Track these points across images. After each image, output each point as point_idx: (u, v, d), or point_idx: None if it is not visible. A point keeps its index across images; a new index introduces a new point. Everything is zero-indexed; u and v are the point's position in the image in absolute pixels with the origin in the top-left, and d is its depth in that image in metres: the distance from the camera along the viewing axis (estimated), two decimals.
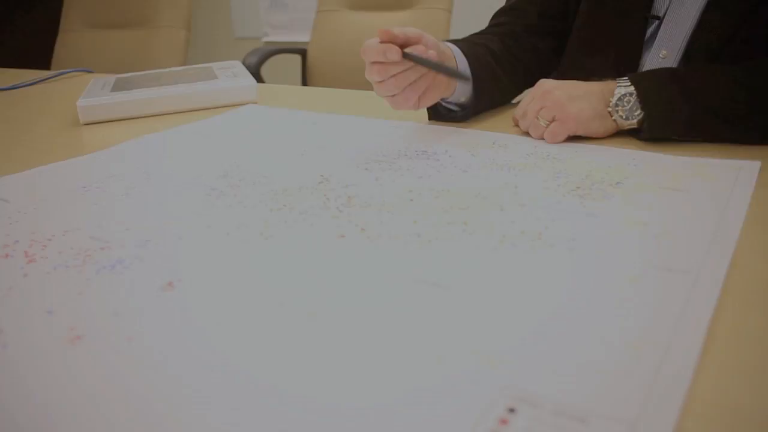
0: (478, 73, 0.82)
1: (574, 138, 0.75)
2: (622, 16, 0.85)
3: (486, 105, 0.88)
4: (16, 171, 0.74)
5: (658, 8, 0.82)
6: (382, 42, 0.69)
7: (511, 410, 0.32)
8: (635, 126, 0.73)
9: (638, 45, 0.85)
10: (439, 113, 0.86)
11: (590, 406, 0.32)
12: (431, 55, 0.69)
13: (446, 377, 0.35)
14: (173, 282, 0.47)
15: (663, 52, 0.82)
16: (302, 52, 2.27)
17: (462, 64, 0.81)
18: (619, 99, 0.72)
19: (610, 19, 0.87)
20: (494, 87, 0.86)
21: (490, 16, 1.00)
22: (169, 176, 0.70)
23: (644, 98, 0.71)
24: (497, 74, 0.87)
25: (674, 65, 0.81)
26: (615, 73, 0.86)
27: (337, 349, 0.38)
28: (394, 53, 0.68)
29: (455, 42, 0.84)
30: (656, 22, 0.83)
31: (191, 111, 1.03)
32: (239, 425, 0.32)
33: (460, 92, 0.82)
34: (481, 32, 0.96)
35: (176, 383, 0.36)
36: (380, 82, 0.72)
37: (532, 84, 0.81)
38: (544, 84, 0.76)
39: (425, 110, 0.85)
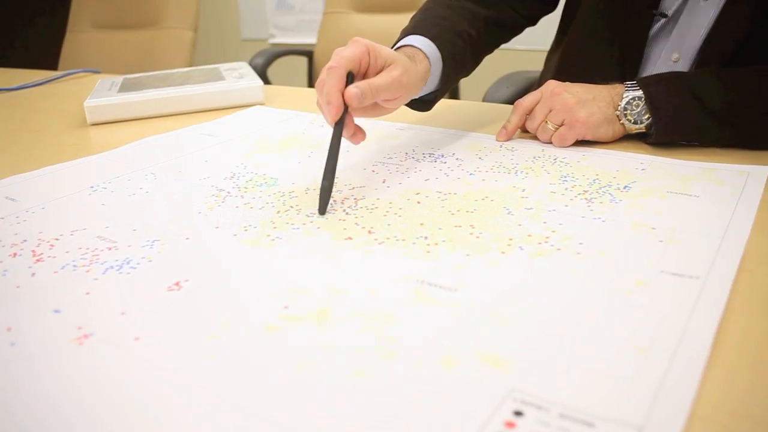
0: (449, 79, 0.78)
1: (581, 142, 0.75)
2: (629, 9, 0.85)
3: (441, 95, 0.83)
4: (24, 171, 0.74)
5: (667, 6, 0.82)
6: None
7: (518, 413, 0.32)
8: (643, 130, 0.73)
9: (642, 40, 0.85)
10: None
11: (597, 410, 0.32)
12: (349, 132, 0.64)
13: (453, 380, 0.35)
14: (180, 282, 0.47)
15: (675, 55, 0.82)
16: (309, 54, 2.27)
17: (436, 71, 0.75)
18: (628, 103, 0.72)
19: (616, 10, 0.87)
20: (457, 79, 0.84)
21: None
22: (177, 177, 0.70)
23: (652, 102, 0.71)
24: (467, 67, 0.84)
25: (687, 69, 0.81)
26: (618, 66, 0.86)
27: (344, 350, 0.38)
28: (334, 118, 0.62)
29: (441, 35, 0.76)
30: (663, 20, 0.82)
31: (198, 112, 1.03)
32: (245, 425, 0.32)
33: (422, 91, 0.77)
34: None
35: (183, 383, 0.36)
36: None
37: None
38: (552, 85, 0.76)
39: (433, 112, 0.85)
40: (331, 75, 0.61)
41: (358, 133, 0.65)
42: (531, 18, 0.97)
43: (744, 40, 0.75)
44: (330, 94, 0.60)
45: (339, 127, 0.62)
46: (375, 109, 0.68)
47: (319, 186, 0.59)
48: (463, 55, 0.81)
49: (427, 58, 0.73)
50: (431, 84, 0.76)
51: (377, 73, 0.65)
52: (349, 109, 0.62)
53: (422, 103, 0.80)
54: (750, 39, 0.75)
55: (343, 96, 0.61)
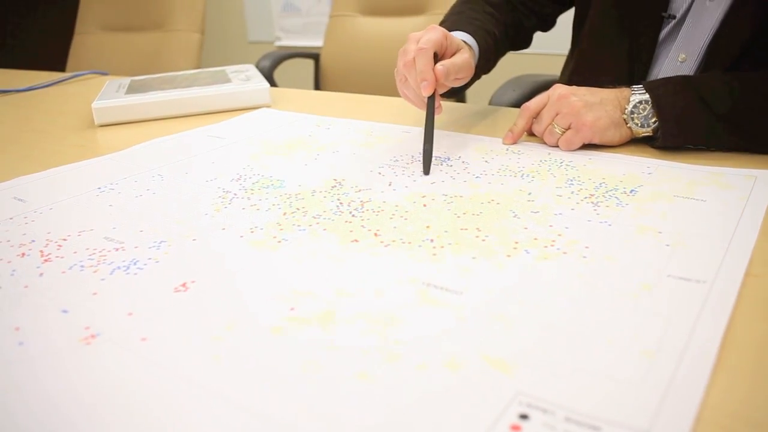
0: (479, 71, 0.87)
1: (588, 145, 0.74)
2: (639, 11, 0.86)
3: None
4: (32, 172, 0.74)
5: (676, 8, 0.82)
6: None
7: (524, 417, 0.32)
8: (650, 134, 0.73)
9: (652, 42, 0.85)
10: None
11: (603, 414, 0.32)
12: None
13: (458, 383, 0.35)
14: (187, 283, 0.47)
15: (682, 55, 0.82)
16: (315, 57, 2.28)
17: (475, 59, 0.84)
18: (635, 107, 0.72)
19: (626, 13, 0.88)
20: (483, 73, 0.91)
21: None
22: (183, 178, 0.70)
23: (659, 106, 0.71)
24: (490, 64, 0.93)
25: (693, 69, 0.81)
26: (627, 68, 0.87)
27: (349, 352, 0.38)
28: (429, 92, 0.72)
29: (476, 32, 0.86)
30: (672, 22, 0.83)
31: (205, 114, 1.03)
32: (250, 426, 0.32)
33: None
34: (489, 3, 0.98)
35: (189, 383, 0.36)
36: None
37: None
38: (559, 89, 0.76)
39: (439, 115, 0.86)
40: (422, 55, 0.71)
41: (440, 106, 0.76)
42: (546, 21, 1.03)
43: (749, 40, 0.75)
44: (425, 72, 0.71)
45: (432, 99, 0.73)
46: (444, 87, 0.77)
47: (327, 188, 0.59)
48: (490, 53, 0.89)
49: (471, 49, 0.82)
50: None
51: (451, 56, 0.75)
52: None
53: (452, 92, 0.87)
54: (756, 40, 0.75)
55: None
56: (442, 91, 0.78)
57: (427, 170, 0.68)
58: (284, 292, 0.45)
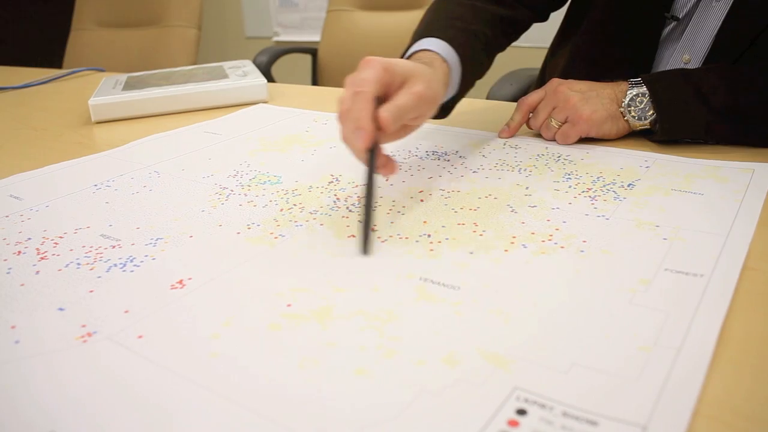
0: (467, 82, 0.76)
1: (585, 139, 0.74)
2: (641, 11, 0.85)
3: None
4: (29, 169, 0.74)
5: (678, 9, 0.82)
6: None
7: (521, 412, 0.32)
8: (648, 126, 0.73)
9: (654, 42, 0.84)
10: None
11: (601, 409, 0.32)
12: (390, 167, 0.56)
13: (455, 378, 0.35)
14: (183, 280, 0.47)
15: (686, 56, 0.81)
16: (313, 52, 2.27)
17: (455, 76, 0.72)
18: (631, 99, 0.72)
19: (628, 12, 0.87)
20: (474, 81, 0.80)
21: None
22: (180, 175, 0.70)
23: (657, 99, 0.70)
24: (483, 68, 0.82)
25: None
26: (629, 69, 0.86)
27: (347, 349, 0.38)
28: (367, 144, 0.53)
29: (455, 38, 0.72)
30: (674, 23, 0.82)
31: (202, 110, 1.03)
32: (246, 425, 0.32)
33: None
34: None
35: (185, 381, 0.36)
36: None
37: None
38: (556, 83, 0.76)
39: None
40: (359, 99, 0.53)
41: (389, 163, 0.56)
42: (541, 14, 0.94)
43: (754, 38, 0.75)
44: (360, 119, 0.52)
45: (373, 155, 0.53)
46: (402, 129, 0.59)
47: (324, 184, 0.58)
48: (480, 57, 0.79)
49: (446, 62, 0.69)
50: (450, 89, 0.72)
51: (396, 91, 0.56)
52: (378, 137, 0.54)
53: (440, 110, 0.74)
54: (759, 37, 0.74)
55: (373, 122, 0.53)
56: (393, 140, 0.60)
57: (365, 249, 0.50)
58: (281, 288, 0.45)
